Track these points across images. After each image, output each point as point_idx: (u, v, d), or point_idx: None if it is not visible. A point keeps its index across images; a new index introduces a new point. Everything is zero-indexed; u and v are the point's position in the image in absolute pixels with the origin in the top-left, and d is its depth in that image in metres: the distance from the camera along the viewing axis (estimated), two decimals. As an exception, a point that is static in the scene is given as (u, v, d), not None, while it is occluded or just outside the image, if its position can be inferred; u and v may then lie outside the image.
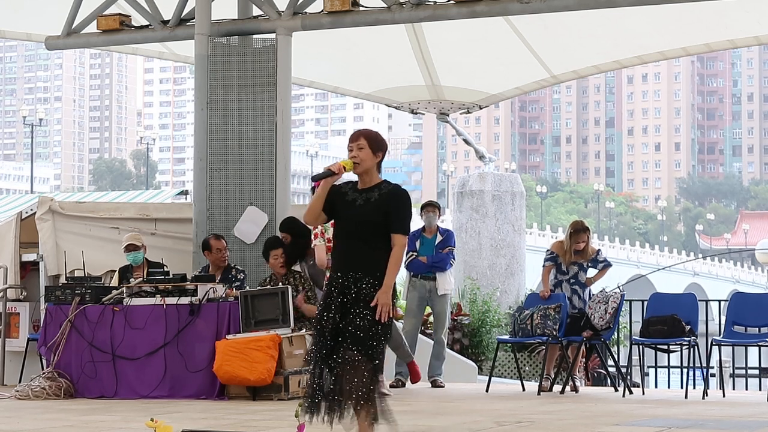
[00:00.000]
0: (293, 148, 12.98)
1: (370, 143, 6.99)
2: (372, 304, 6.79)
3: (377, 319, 6.79)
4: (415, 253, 12.50)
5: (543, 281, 12.32)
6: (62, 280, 12.31)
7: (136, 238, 12.46)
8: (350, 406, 6.75)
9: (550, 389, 12.04)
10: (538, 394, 11.81)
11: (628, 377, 12.63)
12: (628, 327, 15.84)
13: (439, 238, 12.54)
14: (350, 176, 7.09)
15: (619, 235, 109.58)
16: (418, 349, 12.58)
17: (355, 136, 7.02)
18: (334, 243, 7.08)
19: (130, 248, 12.35)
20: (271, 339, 10.82)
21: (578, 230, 12.31)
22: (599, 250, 12.53)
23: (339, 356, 6.78)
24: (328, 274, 10.54)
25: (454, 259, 12.71)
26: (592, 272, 12.42)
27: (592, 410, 10.18)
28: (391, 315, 6.86)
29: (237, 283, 11.86)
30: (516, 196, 20.59)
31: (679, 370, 14.30)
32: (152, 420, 7.24)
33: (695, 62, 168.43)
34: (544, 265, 12.36)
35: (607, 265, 12.38)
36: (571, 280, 12.25)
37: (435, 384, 12.56)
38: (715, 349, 11.75)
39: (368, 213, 6.90)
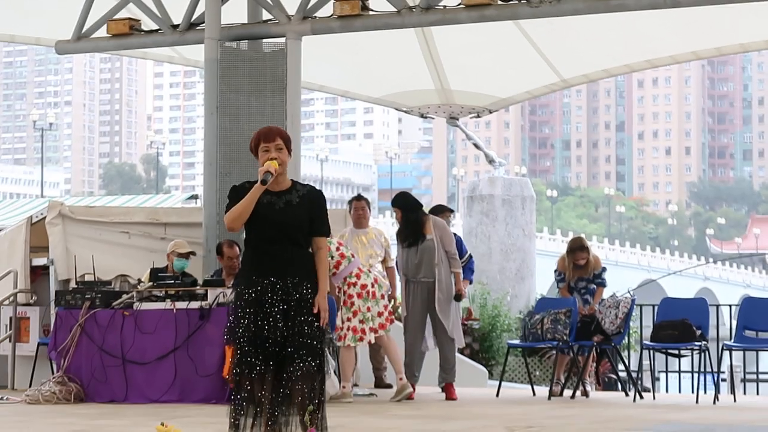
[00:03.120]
0: (303, 152, 12.98)
1: (286, 143, 6.75)
2: (315, 311, 6.62)
3: (319, 324, 6.64)
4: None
5: None
6: (72, 284, 12.30)
7: (182, 246, 12.36)
8: (298, 416, 6.55)
9: (561, 394, 12.02)
10: (549, 398, 11.79)
11: (639, 382, 12.60)
12: (639, 332, 15.80)
13: None
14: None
15: (630, 240, 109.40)
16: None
17: (272, 136, 6.70)
18: (254, 246, 6.72)
19: (181, 255, 12.24)
20: (280, 343, 10.78)
21: (574, 249, 12.28)
22: (604, 267, 12.46)
23: (291, 367, 6.56)
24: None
25: None
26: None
27: (603, 415, 10.15)
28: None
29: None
30: (526, 200, 20.57)
31: (690, 374, 14.25)
32: (162, 425, 7.23)
33: (706, 66, 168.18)
34: (559, 287, 12.38)
35: (601, 284, 12.34)
36: (582, 291, 12.27)
37: (445, 389, 12.51)
38: (726, 353, 11.70)
39: (295, 216, 6.67)
